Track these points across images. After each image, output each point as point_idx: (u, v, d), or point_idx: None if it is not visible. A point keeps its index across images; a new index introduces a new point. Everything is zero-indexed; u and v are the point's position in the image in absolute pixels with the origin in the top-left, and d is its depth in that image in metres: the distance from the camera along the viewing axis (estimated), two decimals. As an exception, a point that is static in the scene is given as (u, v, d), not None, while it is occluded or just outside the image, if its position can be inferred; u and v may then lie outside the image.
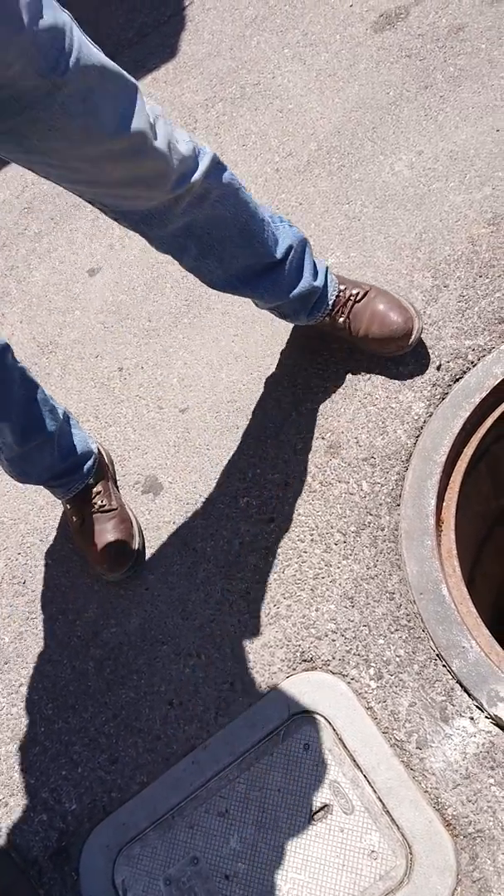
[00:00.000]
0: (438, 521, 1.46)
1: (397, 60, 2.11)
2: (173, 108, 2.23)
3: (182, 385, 1.79)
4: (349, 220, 1.85)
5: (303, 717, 1.33)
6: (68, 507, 1.62)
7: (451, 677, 1.28)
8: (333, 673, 1.35)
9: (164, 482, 1.67)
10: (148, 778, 1.37)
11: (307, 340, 1.71)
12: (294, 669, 1.37)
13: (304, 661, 1.37)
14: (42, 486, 1.61)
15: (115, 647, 1.51)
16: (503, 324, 1.57)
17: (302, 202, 1.95)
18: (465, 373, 1.55)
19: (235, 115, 2.22)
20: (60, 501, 1.67)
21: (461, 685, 1.26)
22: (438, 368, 1.56)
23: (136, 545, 1.57)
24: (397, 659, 1.32)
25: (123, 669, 1.48)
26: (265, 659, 1.40)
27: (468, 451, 1.53)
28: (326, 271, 1.55)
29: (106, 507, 1.58)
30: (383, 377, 1.59)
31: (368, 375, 1.60)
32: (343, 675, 1.34)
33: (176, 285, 1.96)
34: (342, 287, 1.58)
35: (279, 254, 1.42)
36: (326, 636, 1.38)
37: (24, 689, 1.52)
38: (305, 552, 1.47)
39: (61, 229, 2.26)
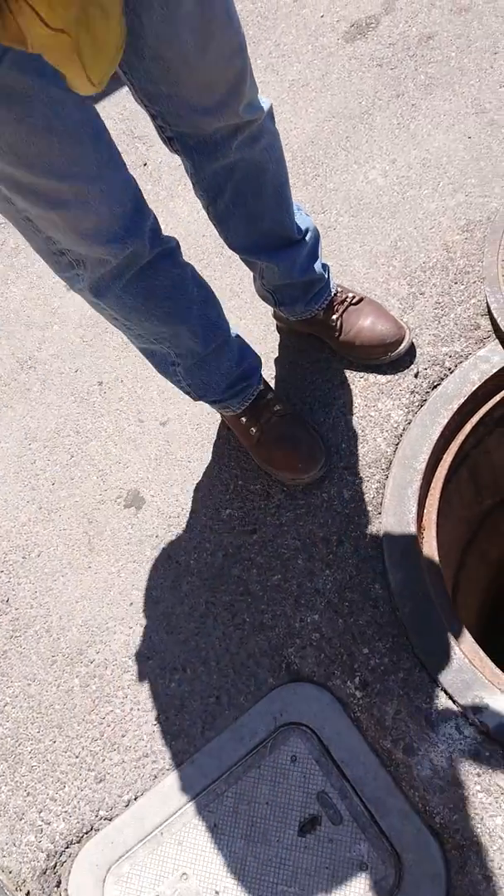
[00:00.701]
0: (420, 528, 1.46)
1: (369, 70, 2.13)
2: (149, 123, 2.23)
3: (162, 398, 1.79)
4: (325, 230, 1.86)
5: (289, 729, 1.32)
6: (243, 419, 1.53)
7: (435, 685, 1.28)
8: (319, 683, 1.34)
9: (147, 496, 1.67)
10: (136, 795, 1.36)
11: (286, 350, 1.71)
12: (280, 680, 1.37)
13: (290, 671, 1.37)
14: (212, 404, 1.53)
15: (100, 665, 1.50)
16: (479, 330, 1.58)
17: (278, 212, 1.96)
18: (442, 379, 1.56)
19: (210, 126, 2.23)
20: (227, 419, 1.59)
21: (446, 692, 1.27)
22: (416, 376, 1.57)
23: (322, 444, 1.52)
24: (382, 667, 1.32)
25: (109, 687, 1.47)
26: (250, 670, 1.39)
27: (448, 457, 1.54)
28: (328, 268, 1.59)
29: (283, 411, 1.53)
30: (361, 385, 1.60)
31: (347, 384, 1.61)
32: (328, 685, 1.34)
33: (154, 298, 1.96)
34: (340, 288, 1.62)
35: (299, 234, 1.46)
36: (311, 646, 1.38)
37: (8, 709, 1.51)
38: (289, 562, 1.47)
39: (38, 244, 2.25)
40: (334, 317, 1.59)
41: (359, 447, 1.53)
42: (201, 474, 1.64)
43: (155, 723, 1.41)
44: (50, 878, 1.34)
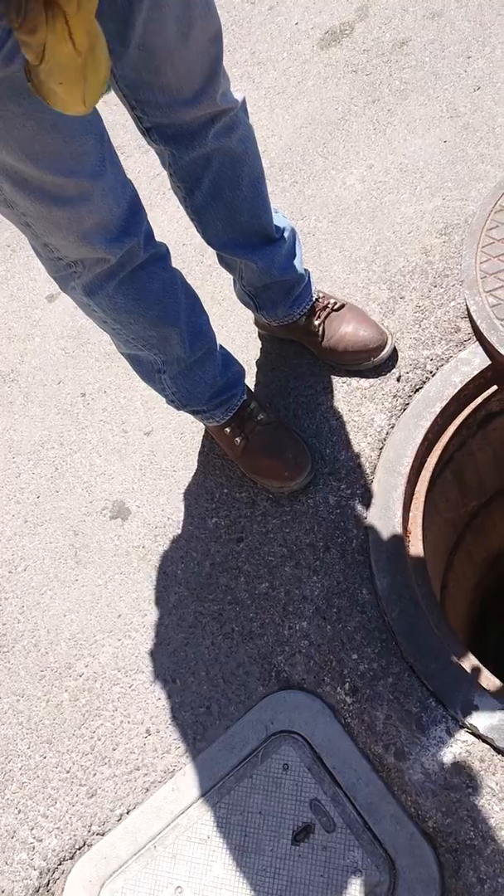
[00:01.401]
0: (406, 532, 1.46)
1: (344, 76, 2.14)
2: (125, 131, 2.23)
3: (146, 408, 1.79)
4: (304, 236, 1.87)
5: (281, 737, 1.32)
6: (227, 430, 1.54)
7: (425, 688, 1.28)
8: (309, 690, 1.34)
9: (132, 507, 1.66)
10: (128, 809, 1.35)
11: (268, 357, 1.71)
12: (270, 689, 1.36)
13: (280, 679, 1.37)
14: (195, 415, 1.54)
15: (90, 678, 1.49)
16: (459, 332, 1.59)
17: (257, 219, 1.96)
18: (424, 383, 1.57)
19: (187, 135, 2.23)
20: (211, 430, 1.59)
21: (435, 696, 1.27)
22: (398, 380, 1.58)
23: (307, 450, 1.53)
24: (371, 672, 1.32)
25: (98, 700, 1.46)
26: (240, 679, 1.39)
27: (432, 460, 1.54)
28: (309, 273, 1.59)
29: (267, 420, 1.54)
30: (344, 391, 1.60)
31: (330, 390, 1.61)
32: (318, 692, 1.33)
33: (135, 307, 1.95)
34: (321, 294, 1.62)
35: (277, 232, 1.47)
36: (300, 653, 1.38)
37: (-2, 726, 1.50)
38: (276, 569, 1.47)
39: (18, 256, 2.24)
40: (316, 322, 1.59)
41: (343, 452, 1.53)
42: (187, 484, 1.63)
43: (146, 735, 1.40)
44: (43, 896, 1.33)
